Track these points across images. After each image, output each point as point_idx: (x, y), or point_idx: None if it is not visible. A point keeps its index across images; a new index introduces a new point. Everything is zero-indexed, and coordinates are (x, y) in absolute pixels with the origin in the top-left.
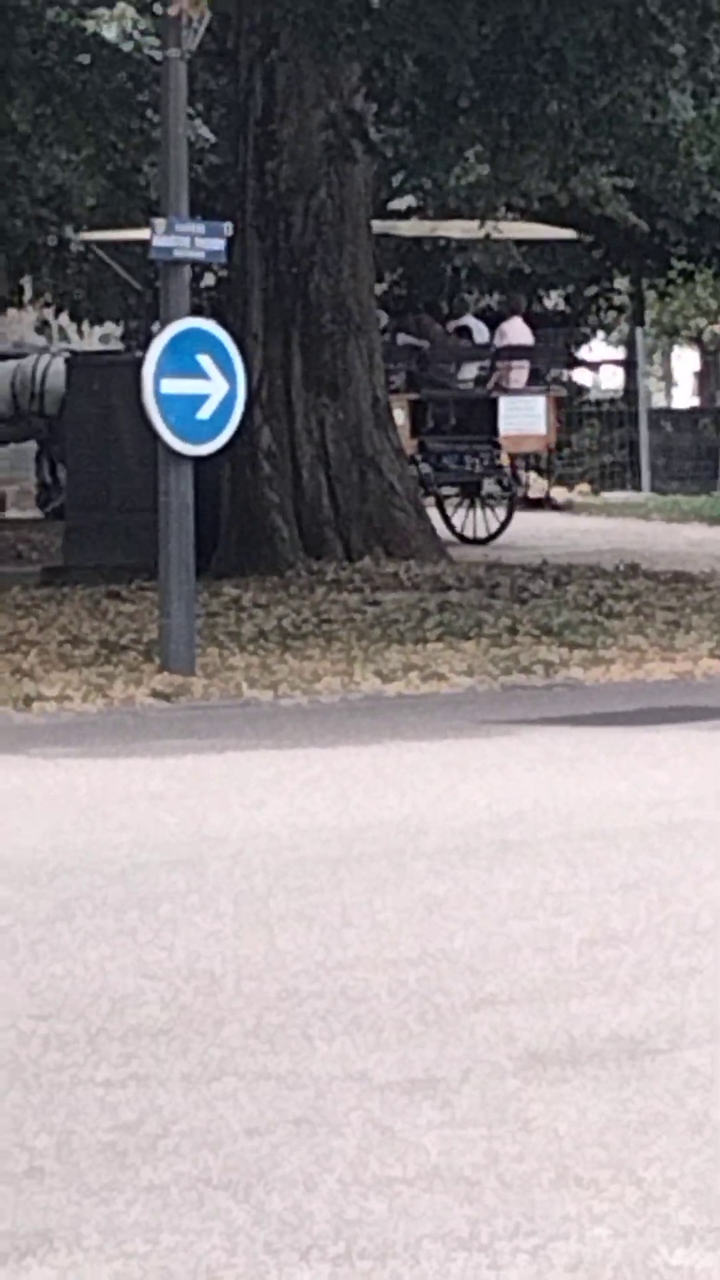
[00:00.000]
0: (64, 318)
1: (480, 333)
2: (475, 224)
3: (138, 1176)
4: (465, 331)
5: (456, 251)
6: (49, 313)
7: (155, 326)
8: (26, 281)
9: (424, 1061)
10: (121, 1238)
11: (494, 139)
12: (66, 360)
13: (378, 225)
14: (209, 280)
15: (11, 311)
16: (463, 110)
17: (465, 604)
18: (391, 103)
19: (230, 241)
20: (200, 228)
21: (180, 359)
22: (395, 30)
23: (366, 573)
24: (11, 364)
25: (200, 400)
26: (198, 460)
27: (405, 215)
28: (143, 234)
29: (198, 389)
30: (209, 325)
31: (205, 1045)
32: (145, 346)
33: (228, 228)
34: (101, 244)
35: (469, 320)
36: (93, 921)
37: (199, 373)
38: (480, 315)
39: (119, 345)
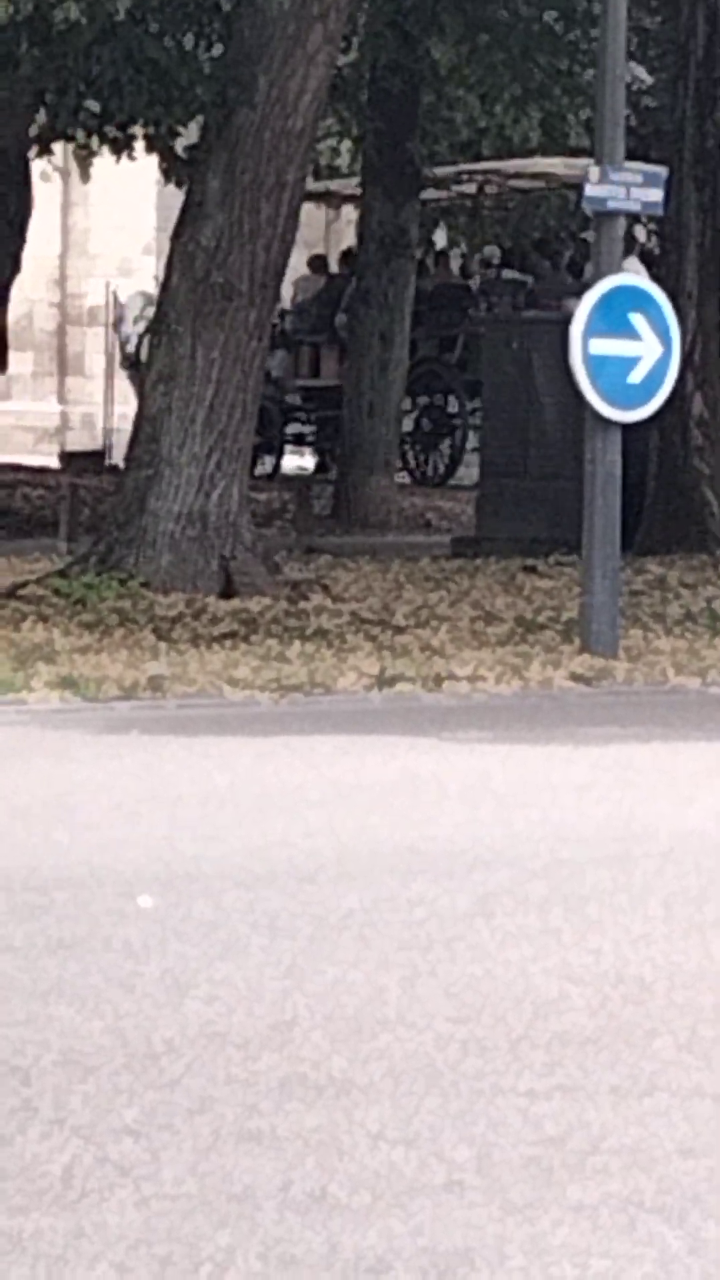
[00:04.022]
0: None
1: None
2: None
3: (564, 1195)
4: None
5: None
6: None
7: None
8: (440, 231)
9: None
10: (548, 1260)
11: None
12: (485, 322)
13: None
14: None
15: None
16: None
17: None
18: None
19: (666, 193)
20: (637, 176)
21: (612, 318)
22: None
23: None
24: None
25: (632, 363)
26: (624, 428)
27: None
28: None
29: (629, 350)
30: (644, 282)
31: (635, 1057)
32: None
33: (663, 172)
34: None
35: None
36: (513, 920)
37: (631, 333)
38: None
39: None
